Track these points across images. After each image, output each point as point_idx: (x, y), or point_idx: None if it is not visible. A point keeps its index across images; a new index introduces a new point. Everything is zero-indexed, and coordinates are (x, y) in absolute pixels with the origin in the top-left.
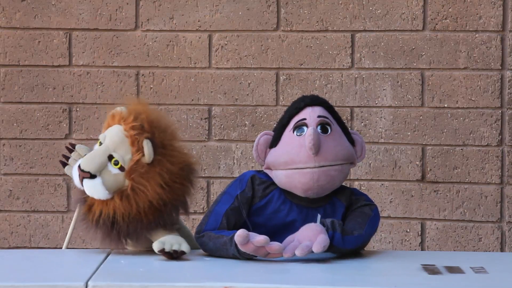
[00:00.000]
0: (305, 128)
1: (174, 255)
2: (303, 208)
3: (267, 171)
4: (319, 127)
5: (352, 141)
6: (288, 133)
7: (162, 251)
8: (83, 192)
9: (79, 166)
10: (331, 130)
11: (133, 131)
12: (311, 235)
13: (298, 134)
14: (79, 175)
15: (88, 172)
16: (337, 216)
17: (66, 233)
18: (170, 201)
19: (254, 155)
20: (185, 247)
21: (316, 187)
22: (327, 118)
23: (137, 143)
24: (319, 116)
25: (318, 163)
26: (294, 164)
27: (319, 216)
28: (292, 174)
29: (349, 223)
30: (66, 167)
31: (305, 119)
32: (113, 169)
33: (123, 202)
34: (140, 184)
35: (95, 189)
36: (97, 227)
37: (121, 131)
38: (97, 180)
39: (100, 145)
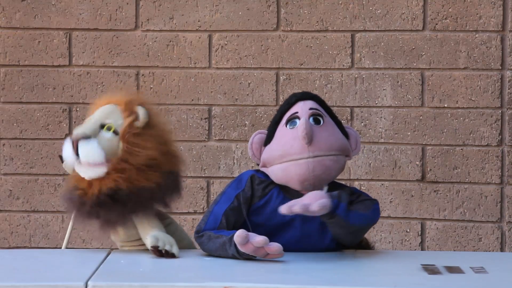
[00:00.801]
0: (297, 120)
1: (164, 255)
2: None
3: (263, 169)
4: (311, 119)
5: (346, 135)
6: (281, 128)
7: (155, 248)
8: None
9: (71, 136)
10: (323, 122)
11: (124, 98)
12: (313, 198)
13: (291, 127)
14: (73, 141)
15: (83, 133)
16: None
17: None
18: (166, 169)
19: (249, 154)
20: (175, 250)
21: (312, 177)
22: (319, 110)
23: (130, 109)
24: (310, 109)
25: (312, 153)
26: (288, 156)
27: (325, 188)
28: (287, 166)
29: (354, 206)
30: (64, 163)
31: (297, 112)
32: (107, 134)
33: (121, 166)
34: (135, 145)
35: (91, 150)
36: (99, 206)
37: (110, 105)
38: (93, 141)
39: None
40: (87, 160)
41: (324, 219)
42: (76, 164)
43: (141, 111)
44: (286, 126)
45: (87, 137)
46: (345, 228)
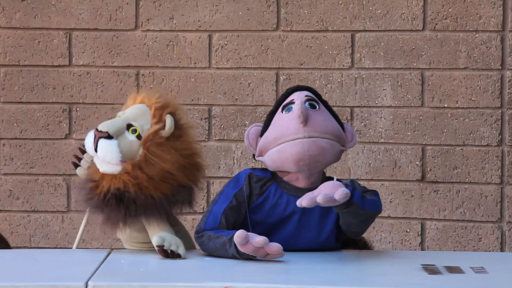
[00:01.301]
0: (293, 106)
1: (170, 255)
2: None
3: (259, 158)
4: (307, 103)
5: (342, 127)
6: (277, 115)
7: (161, 247)
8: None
9: (96, 129)
10: (319, 108)
11: (157, 104)
12: (332, 188)
13: (287, 112)
14: (95, 136)
15: (106, 132)
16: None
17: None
18: (179, 184)
19: (245, 144)
20: (181, 250)
21: (307, 157)
22: (314, 98)
23: (159, 116)
24: (306, 95)
25: (308, 133)
26: (284, 137)
27: (335, 177)
28: (283, 147)
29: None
30: (78, 168)
31: (292, 99)
32: (130, 136)
33: (134, 171)
34: (154, 154)
35: (109, 150)
36: (104, 203)
37: (144, 106)
38: (113, 141)
39: (119, 117)
40: (103, 157)
41: (339, 209)
42: (94, 156)
43: (168, 121)
44: (282, 112)
45: (109, 136)
46: (360, 216)
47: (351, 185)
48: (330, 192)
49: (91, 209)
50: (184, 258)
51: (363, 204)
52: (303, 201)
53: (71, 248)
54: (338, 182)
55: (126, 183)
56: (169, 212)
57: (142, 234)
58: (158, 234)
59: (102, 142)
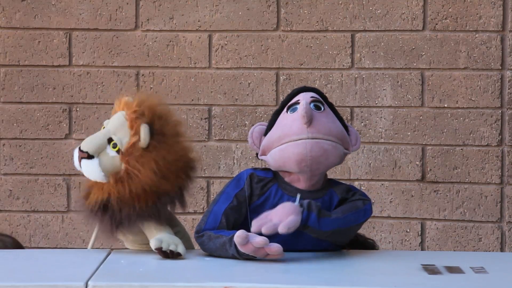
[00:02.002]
0: (298, 106)
1: (170, 256)
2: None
3: (262, 157)
4: (312, 104)
5: (346, 130)
6: (282, 115)
7: (159, 249)
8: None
9: (79, 148)
10: (324, 109)
11: (133, 114)
12: (283, 215)
13: (292, 112)
14: (78, 155)
15: (86, 152)
16: (332, 209)
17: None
18: (164, 191)
19: (249, 142)
20: (181, 249)
21: (309, 158)
22: (320, 100)
23: (136, 126)
24: (312, 97)
25: (311, 134)
26: (287, 137)
27: (298, 196)
28: (285, 147)
29: (334, 209)
30: None
31: (298, 100)
32: (111, 152)
33: (117, 186)
34: (134, 167)
35: (91, 170)
36: (93, 213)
37: (123, 115)
38: (94, 161)
39: (103, 129)
40: (88, 176)
41: (298, 229)
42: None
43: (143, 132)
44: (287, 112)
45: (89, 156)
46: (322, 234)
47: (307, 207)
48: (278, 221)
49: (85, 219)
50: (184, 257)
51: (320, 226)
52: (252, 227)
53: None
54: (294, 206)
55: (110, 195)
56: (159, 218)
57: (140, 237)
58: (155, 237)
59: (84, 163)
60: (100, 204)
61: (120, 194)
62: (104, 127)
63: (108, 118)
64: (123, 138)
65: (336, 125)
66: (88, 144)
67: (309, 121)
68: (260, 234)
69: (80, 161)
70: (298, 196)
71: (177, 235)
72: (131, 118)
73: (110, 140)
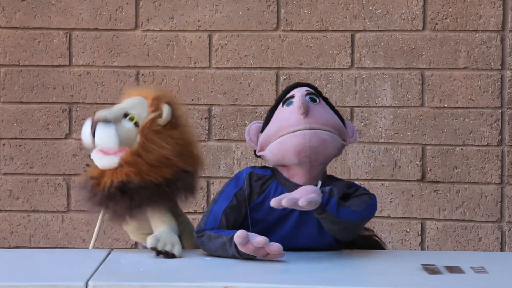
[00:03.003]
0: (293, 100)
1: (165, 255)
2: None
3: (260, 153)
4: (307, 97)
5: (342, 122)
6: (278, 110)
7: (154, 248)
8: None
9: (92, 118)
10: (319, 101)
11: (154, 93)
12: (304, 193)
13: (287, 106)
14: (93, 121)
15: (105, 117)
16: None
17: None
18: (178, 170)
19: (246, 140)
20: (177, 250)
21: (308, 148)
22: (315, 93)
23: (156, 105)
24: (306, 90)
25: (309, 124)
26: (285, 129)
27: (319, 183)
28: (283, 139)
29: (348, 201)
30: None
31: (293, 94)
32: (128, 124)
33: (133, 159)
34: (152, 141)
35: (107, 135)
36: (109, 198)
37: (140, 97)
38: (111, 127)
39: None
40: (101, 143)
41: (315, 214)
42: (91, 148)
43: (165, 109)
44: (282, 107)
45: (107, 121)
46: (337, 224)
47: (329, 192)
48: (299, 196)
49: (94, 207)
50: (180, 257)
51: (338, 213)
52: (272, 202)
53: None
54: (315, 188)
55: (128, 175)
56: (173, 199)
57: (148, 224)
58: (154, 234)
59: (101, 128)
60: (117, 185)
61: (138, 168)
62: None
63: None
64: (142, 113)
65: (333, 116)
66: (104, 112)
67: (306, 111)
68: (261, 233)
69: (95, 127)
70: (319, 183)
71: (181, 226)
72: (152, 96)
73: (126, 114)
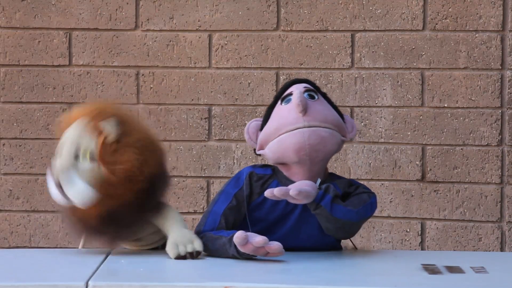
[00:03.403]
0: (291, 97)
1: (191, 257)
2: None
3: (260, 151)
4: (306, 94)
5: (342, 118)
6: (276, 107)
7: (179, 257)
8: (69, 214)
9: (55, 184)
10: (318, 98)
11: (88, 117)
12: (298, 185)
13: (286, 104)
14: (56, 185)
15: (64, 175)
16: None
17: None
18: (151, 173)
19: (246, 138)
20: (197, 244)
21: (307, 146)
22: (313, 89)
23: (96, 127)
24: (305, 87)
25: (308, 122)
26: (284, 127)
27: (318, 180)
28: (283, 138)
29: (346, 200)
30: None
31: (291, 91)
32: (85, 164)
33: (107, 190)
34: (114, 163)
35: (80, 193)
36: (96, 230)
37: (76, 126)
38: (77, 181)
39: (62, 146)
40: (79, 202)
41: (311, 209)
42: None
43: (106, 127)
44: (281, 104)
45: (69, 179)
46: (331, 222)
47: (324, 189)
48: (291, 186)
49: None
50: (201, 251)
51: (332, 210)
52: (265, 192)
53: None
54: (312, 183)
55: (108, 205)
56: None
57: (140, 242)
58: (169, 242)
59: (68, 187)
60: (99, 219)
61: (114, 193)
62: (63, 148)
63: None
64: (89, 144)
65: (332, 112)
66: (59, 168)
67: (304, 109)
68: (261, 233)
69: (63, 193)
70: (319, 180)
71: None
72: (88, 121)
73: (76, 156)
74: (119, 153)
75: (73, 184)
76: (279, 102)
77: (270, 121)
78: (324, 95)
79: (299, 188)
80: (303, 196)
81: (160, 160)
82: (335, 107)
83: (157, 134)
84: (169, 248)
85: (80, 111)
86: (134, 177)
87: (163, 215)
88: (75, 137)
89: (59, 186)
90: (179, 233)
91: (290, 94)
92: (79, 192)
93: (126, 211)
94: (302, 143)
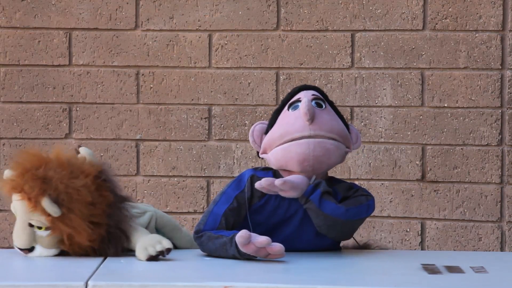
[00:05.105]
0: (299, 104)
1: (162, 255)
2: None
3: (263, 156)
4: (313, 102)
5: (347, 128)
6: (283, 113)
7: (151, 258)
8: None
9: (17, 247)
10: (325, 107)
11: (27, 200)
12: (293, 178)
13: (293, 110)
14: (23, 253)
15: (26, 249)
16: None
17: None
18: (105, 209)
19: (250, 141)
20: (166, 242)
21: (312, 157)
22: (321, 98)
23: (39, 206)
24: (313, 94)
25: (314, 131)
26: (289, 135)
27: (314, 177)
28: (288, 146)
29: (345, 202)
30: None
31: (299, 97)
32: (42, 233)
33: (71, 243)
34: (69, 228)
35: (43, 255)
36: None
37: (20, 199)
38: (38, 250)
39: (16, 215)
40: (45, 256)
41: (301, 202)
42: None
43: (47, 206)
44: (288, 110)
45: (31, 249)
46: (321, 217)
47: (315, 184)
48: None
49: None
50: (171, 248)
51: (320, 205)
52: (256, 185)
53: None
54: (303, 177)
55: (81, 246)
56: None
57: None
58: (137, 247)
59: (33, 255)
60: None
61: (82, 242)
62: (14, 212)
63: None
64: (40, 219)
65: (338, 123)
66: (19, 241)
67: (311, 118)
68: (262, 233)
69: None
70: (314, 177)
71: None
72: (29, 206)
73: (31, 224)
74: (70, 219)
75: (35, 252)
76: (286, 107)
77: (276, 126)
78: (331, 104)
79: (284, 179)
80: (288, 186)
81: (111, 195)
82: (341, 117)
83: (101, 167)
84: (138, 252)
85: (17, 176)
86: (93, 224)
87: (135, 230)
88: (24, 216)
89: (22, 251)
90: (145, 238)
91: (298, 100)
92: (41, 254)
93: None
94: (307, 154)
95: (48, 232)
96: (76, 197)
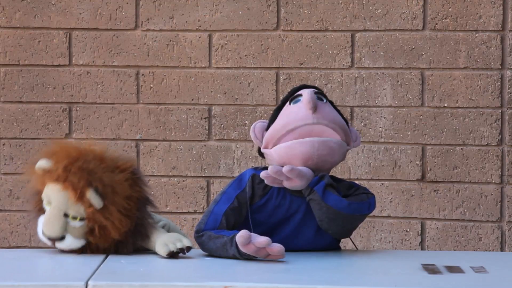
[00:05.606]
0: (301, 98)
1: (183, 253)
2: (304, 198)
3: (265, 150)
4: (315, 95)
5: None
6: (285, 108)
7: (171, 254)
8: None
9: (45, 235)
10: (326, 101)
11: (72, 191)
12: (296, 167)
13: (295, 103)
14: (50, 243)
15: (55, 238)
16: None
17: None
18: (137, 203)
19: (251, 137)
20: (186, 241)
21: (316, 156)
22: (322, 93)
23: (80, 196)
24: (314, 91)
25: (317, 119)
26: (292, 123)
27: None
28: (292, 144)
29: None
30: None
31: (300, 93)
32: (76, 223)
33: (96, 239)
34: (107, 220)
35: (71, 247)
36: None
37: (61, 190)
38: (68, 239)
39: (48, 204)
40: (68, 250)
41: (304, 194)
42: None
43: (92, 198)
44: (290, 104)
45: (61, 238)
46: (324, 210)
47: (320, 176)
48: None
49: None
50: (192, 246)
51: (324, 196)
52: (261, 174)
53: None
54: (308, 169)
55: (107, 241)
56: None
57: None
58: (158, 244)
59: (60, 245)
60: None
61: (109, 236)
62: (48, 201)
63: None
64: (78, 210)
65: (339, 116)
66: (51, 230)
67: (315, 106)
68: (262, 235)
69: (53, 244)
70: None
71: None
72: (72, 195)
73: (66, 215)
74: (108, 213)
75: (64, 242)
76: (288, 102)
77: (279, 119)
78: (331, 103)
79: (292, 166)
80: (295, 174)
81: (143, 195)
82: (341, 116)
83: (134, 167)
84: (159, 248)
85: (58, 165)
86: (127, 217)
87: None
88: (62, 202)
89: (48, 239)
90: (166, 235)
91: (300, 95)
92: (72, 246)
93: (126, 240)
94: (311, 153)
95: (82, 223)
96: (118, 190)
